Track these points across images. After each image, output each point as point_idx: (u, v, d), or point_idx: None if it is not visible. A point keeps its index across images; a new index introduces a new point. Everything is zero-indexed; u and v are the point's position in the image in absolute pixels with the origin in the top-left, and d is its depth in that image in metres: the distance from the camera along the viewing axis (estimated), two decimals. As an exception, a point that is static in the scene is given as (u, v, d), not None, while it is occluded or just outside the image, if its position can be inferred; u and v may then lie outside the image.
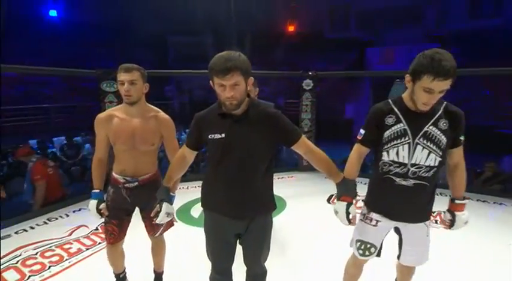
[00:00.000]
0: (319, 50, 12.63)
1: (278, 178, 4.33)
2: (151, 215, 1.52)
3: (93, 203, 1.70)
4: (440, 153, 1.33)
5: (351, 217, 1.37)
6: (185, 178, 4.38)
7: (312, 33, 13.18)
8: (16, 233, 2.92)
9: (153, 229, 1.82)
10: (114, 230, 1.80)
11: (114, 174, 1.78)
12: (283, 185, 4.09)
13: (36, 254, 2.51)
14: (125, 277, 1.99)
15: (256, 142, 1.33)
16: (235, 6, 12.18)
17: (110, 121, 1.68)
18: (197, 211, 3.32)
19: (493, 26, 10.19)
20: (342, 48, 12.63)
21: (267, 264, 1.58)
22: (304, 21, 13.38)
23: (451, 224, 1.46)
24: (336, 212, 1.40)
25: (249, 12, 11.99)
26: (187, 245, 2.56)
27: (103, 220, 1.78)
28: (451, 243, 2.53)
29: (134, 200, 1.79)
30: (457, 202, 1.44)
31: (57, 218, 3.23)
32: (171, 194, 1.57)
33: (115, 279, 1.98)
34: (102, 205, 1.71)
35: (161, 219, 1.49)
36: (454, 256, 2.43)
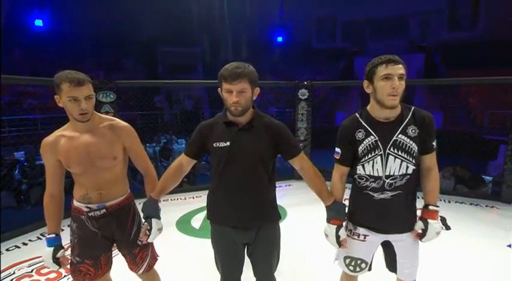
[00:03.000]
0: (306, 60, 12.95)
1: (276, 187, 4.31)
2: (141, 235, 1.41)
3: (47, 252, 1.38)
4: (413, 161, 1.31)
5: (341, 239, 1.38)
6: (182, 189, 4.32)
7: (300, 43, 13.51)
8: (7, 250, 2.78)
9: (136, 263, 1.56)
10: (89, 271, 1.48)
11: (74, 202, 1.47)
12: (282, 194, 4.09)
13: (31, 271, 2.40)
14: None
15: (260, 151, 1.37)
16: (224, 17, 12.36)
17: (57, 144, 1.39)
18: (198, 221, 3.27)
19: (470, 37, 10.74)
20: (329, 58, 12.99)
21: None
22: (292, 32, 13.73)
23: (422, 234, 1.35)
24: (326, 236, 1.42)
25: (236, 22, 12.17)
26: (190, 257, 2.51)
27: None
28: (448, 246, 2.58)
29: (105, 232, 1.48)
30: (430, 208, 1.37)
31: (50, 233, 3.10)
32: (159, 208, 1.47)
33: None
34: (61, 253, 1.40)
35: (154, 237, 1.41)
36: (452, 260, 2.48)
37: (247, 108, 1.35)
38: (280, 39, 14.12)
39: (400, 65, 1.24)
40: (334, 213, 1.41)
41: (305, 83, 4.62)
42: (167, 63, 13.61)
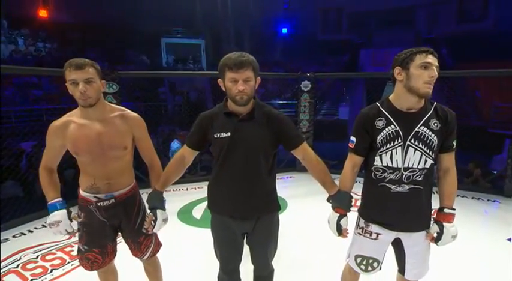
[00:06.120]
0: (311, 52, 12.78)
1: (277, 178, 4.34)
2: (146, 226, 1.46)
3: (62, 213, 1.38)
4: (432, 155, 1.28)
5: (342, 228, 1.37)
6: (184, 180, 4.36)
7: (305, 35, 13.34)
8: (14, 236, 2.86)
9: (141, 250, 1.61)
10: (97, 259, 1.54)
11: (81, 192, 1.49)
12: (283, 186, 4.12)
13: (36, 257, 2.47)
14: None
15: (261, 141, 1.37)
16: (228, 8, 12.23)
17: (66, 129, 1.40)
18: (199, 211, 3.32)
19: (480, 29, 10.49)
20: (334, 50, 12.81)
21: None
22: (297, 23, 13.56)
23: (437, 237, 1.32)
24: (328, 222, 1.42)
25: (241, 14, 12.04)
26: (191, 246, 2.55)
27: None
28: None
29: (113, 221, 1.52)
30: (446, 211, 1.32)
31: (55, 221, 3.17)
32: (163, 199, 1.50)
33: None
34: (73, 214, 1.44)
35: (159, 227, 1.44)
36: (451, 252, 2.48)
37: (251, 98, 1.35)
38: (285, 30, 13.96)
39: (436, 59, 1.25)
40: (338, 202, 1.40)
41: (307, 74, 4.59)
42: (171, 55, 13.58)
